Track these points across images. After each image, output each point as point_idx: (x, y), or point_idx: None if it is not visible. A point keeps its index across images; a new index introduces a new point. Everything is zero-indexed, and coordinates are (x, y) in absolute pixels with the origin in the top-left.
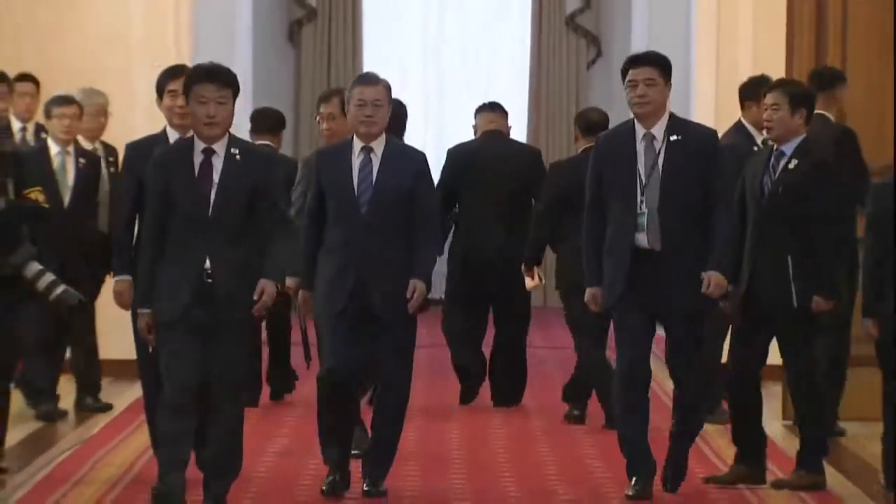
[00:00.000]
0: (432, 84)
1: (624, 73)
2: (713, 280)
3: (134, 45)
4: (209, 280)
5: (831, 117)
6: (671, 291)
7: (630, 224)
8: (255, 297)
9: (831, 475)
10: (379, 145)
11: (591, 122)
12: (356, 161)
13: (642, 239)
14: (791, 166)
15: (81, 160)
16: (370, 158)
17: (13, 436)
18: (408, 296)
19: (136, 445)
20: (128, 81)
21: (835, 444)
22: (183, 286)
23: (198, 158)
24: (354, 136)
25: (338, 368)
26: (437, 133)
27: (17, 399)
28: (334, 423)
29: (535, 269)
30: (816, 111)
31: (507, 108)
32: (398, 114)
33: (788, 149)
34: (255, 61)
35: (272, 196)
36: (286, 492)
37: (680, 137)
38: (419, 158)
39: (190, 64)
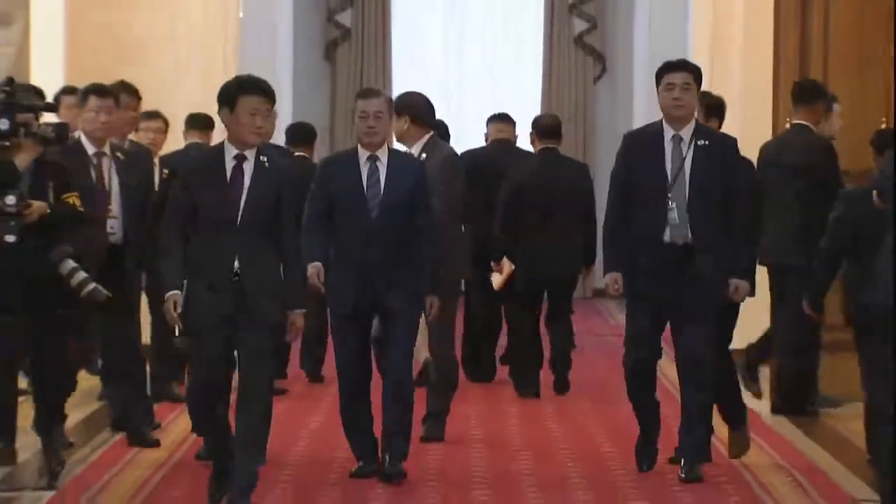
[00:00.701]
0: (454, 96)
1: (658, 77)
2: (741, 288)
3: (185, 60)
4: (237, 278)
5: (812, 127)
6: (691, 285)
7: (657, 220)
8: (289, 337)
9: (816, 451)
10: (383, 153)
11: (545, 127)
12: (364, 169)
13: (668, 234)
14: None
15: (165, 170)
16: (377, 167)
17: (76, 416)
18: (426, 312)
19: (182, 428)
20: (180, 95)
21: (818, 422)
22: (213, 287)
23: (230, 164)
24: (359, 146)
25: (347, 365)
26: (456, 140)
27: (83, 381)
28: (352, 417)
29: (504, 260)
30: (798, 121)
31: (521, 118)
32: (440, 133)
33: None
34: (294, 77)
35: (290, 203)
36: (321, 470)
37: (707, 142)
38: (419, 164)
39: None
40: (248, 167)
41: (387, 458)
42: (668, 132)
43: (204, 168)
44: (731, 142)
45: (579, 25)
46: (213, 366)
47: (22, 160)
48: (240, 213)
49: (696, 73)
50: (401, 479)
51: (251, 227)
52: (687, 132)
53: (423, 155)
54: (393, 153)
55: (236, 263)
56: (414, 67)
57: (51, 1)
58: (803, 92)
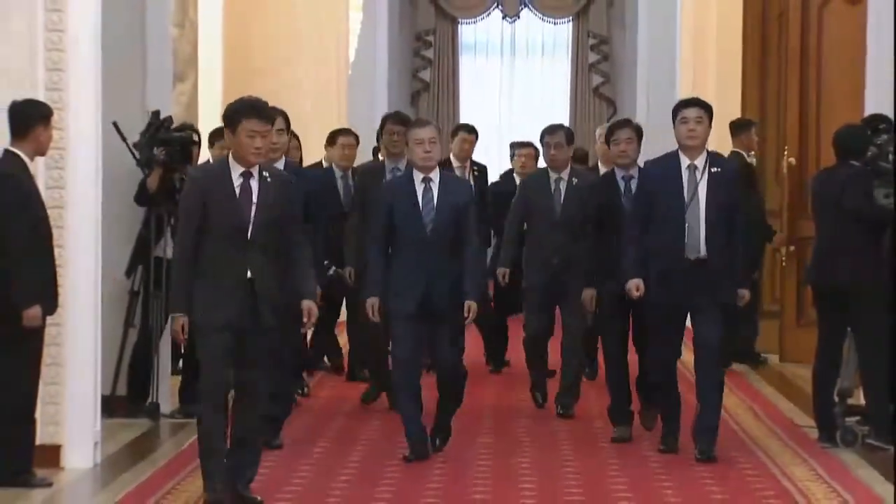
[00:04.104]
0: (505, 132)
1: (674, 114)
2: (746, 296)
3: (308, 110)
4: (249, 286)
5: (743, 153)
6: (706, 289)
7: (674, 237)
8: (305, 319)
9: (791, 409)
10: (435, 175)
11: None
12: (419, 189)
13: (685, 249)
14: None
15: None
16: (430, 187)
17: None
18: (465, 314)
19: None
20: (304, 139)
21: (793, 385)
22: (229, 294)
23: (237, 181)
24: (415, 169)
25: (406, 359)
26: (506, 166)
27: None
28: (407, 404)
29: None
30: (733, 149)
31: None
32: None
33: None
34: None
35: (292, 214)
36: (391, 448)
37: (719, 170)
38: (467, 186)
39: (347, 120)
40: (255, 183)
41: (437, 440)
42: (685, 161)
43: (215, 181)
44: (736, 169)
45: (596, 80)
46: (219, 365)
47: (153, 179)
48: (250, 226)
49: (707, 108)
50: (448, 440)
51: (261, 237)
52: (700, 161)
53: (575, 180)
54: (444, 175)
55: (248, 272)
56: (476, 112)
57: (213, 65)
58: (734, 127)
